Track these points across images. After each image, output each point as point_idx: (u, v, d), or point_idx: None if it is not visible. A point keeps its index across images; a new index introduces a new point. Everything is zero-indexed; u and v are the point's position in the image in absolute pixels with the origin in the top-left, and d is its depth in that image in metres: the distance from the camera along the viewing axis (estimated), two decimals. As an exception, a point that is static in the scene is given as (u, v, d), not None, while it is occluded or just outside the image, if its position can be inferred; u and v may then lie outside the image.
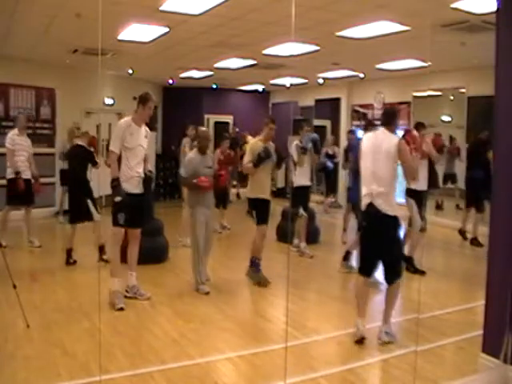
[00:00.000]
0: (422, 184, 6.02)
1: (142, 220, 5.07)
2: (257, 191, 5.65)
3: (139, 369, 3.53)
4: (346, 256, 6.30)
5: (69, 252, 6.23)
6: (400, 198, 8.45)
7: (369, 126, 7.34)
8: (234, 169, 11.05)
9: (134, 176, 4.83)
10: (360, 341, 4.01)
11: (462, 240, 8.11)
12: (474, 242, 7.79)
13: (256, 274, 5.67)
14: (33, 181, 7.14)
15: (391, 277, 4.08)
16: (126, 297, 4.94)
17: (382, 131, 4.12)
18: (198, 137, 5.67)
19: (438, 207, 9.92)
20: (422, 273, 5.98)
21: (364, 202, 4.01)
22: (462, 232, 8.19)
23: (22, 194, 6.91)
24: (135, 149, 4.83)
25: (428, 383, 3.45)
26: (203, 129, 5.87)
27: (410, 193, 6.09)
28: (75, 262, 6.20)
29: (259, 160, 5.51)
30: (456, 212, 9.20)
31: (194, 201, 5.39)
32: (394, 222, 3.99)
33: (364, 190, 4.03)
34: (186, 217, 7.43)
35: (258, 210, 5.64)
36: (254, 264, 5.71)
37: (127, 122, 4.85)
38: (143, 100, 4.92)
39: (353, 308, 5.01)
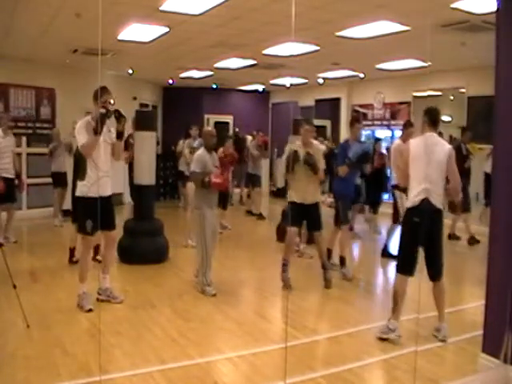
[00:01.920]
0: None
1: (114, 221, 4.89)
2: (293, 196, 5.63)
3: (139, 369, 3.52)
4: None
5: (72, 251, 6.20)
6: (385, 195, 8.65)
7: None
8: (241, 169, 11.07)
9: (102, 176, 4.56)
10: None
11: (458, 240, 8.15)
12: (471, 240, 7.88)
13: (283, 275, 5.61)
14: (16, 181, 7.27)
15: (437, 273, 4.15)
16: (98, 300, 4.81)
17: (431, 135, 4.17)
18: (204, 136, 5.67)
19: None
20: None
21: (418, 199, 4.05)
22: (452, 236, 8.22)
23: (4, 192, 7.01)
24: (98, 147, 4.49)
25: (428, 383, 3.45)
26: (209, 128, 5.90)
27: (398, 188, 6.23)
28: (77, 261, 6.19)
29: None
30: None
31: (202, 201, 5.29)
32: (441, 215, 4.18)
33: (417, 188, 4.08)
34: (190, 218, 7.43)
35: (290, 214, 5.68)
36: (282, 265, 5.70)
37: (85, 121, 4.53)
38: (96, 95, 4.49)
39: (352, 308, 5.02)
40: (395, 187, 6.41)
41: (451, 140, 9.77)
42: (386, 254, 6.85)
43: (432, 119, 4.23)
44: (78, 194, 4.57)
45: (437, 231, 4.13)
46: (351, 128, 6.16)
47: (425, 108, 4.36)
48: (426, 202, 4.03)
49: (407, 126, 6.49)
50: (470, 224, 7.96)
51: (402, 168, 4.37)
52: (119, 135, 4.65)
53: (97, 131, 4.34)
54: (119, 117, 4.56)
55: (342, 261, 6.01)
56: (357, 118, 6.70)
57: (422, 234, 4.03)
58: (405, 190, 6.16)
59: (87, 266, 4.74)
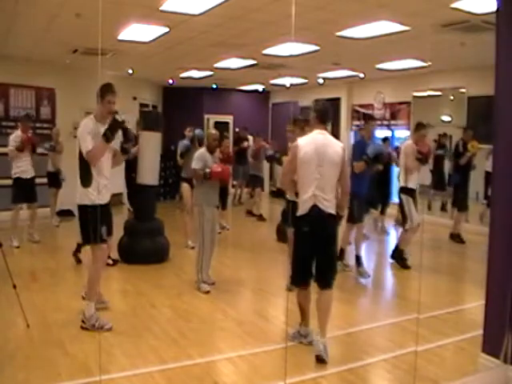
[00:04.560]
0: (414, 182, 6.30)
1: (112, 229, 4.62)
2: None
3: (139, 369, 3.52)
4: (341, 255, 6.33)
5: (79, 246, 6.11)
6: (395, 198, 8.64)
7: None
8: (243, 170, 11.07)
9: (105, 183, 4.25)
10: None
11: (457, 242, 8.17)
12: (456, 238, 7.95)
13: None
14: None
15: (328, 281, 3.84)
16: (83, 297, 4.55)
17: (321, 133, 3.85)
18: (207, 138, 5.70)
19: (443, 208, 9.95)
20: (407, 267, 6.18)
21: (307, 206, 3.76)
22: (453, 235, 8.25)
23: (25, 192, 7.22)
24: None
25: (428, 383, 3.45)
26: (213, 131, 5.88)
27: (405, 191, 6.28)
28: (80, 261, 6.19)
29: None
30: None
31: (202, 199, 5.38)
32: (335, 220, 3.90)
33: (306, 194, 3.77)
34: (188, 219, 7.44)
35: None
36: None
37: (88, 125, 4.15)
38: (101, 93, 4.19)
39: (353, 308, 5.03)
40: (402, 190, 6.36)
41: (451, 140, 9.80)
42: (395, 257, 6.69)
43: (321, 116, 3.89)
44: (85, 202, 4.18)
45: (329, 238, 3.84)
46: (365, 127, 6.22)
47: (314, 103, 4.01)
48: (315, 209, 3.73)
49: (419, 127, 6.42)
50: (461, 222, 8.05)
51: (287, 170, 3.94)
52: (125, 151, 4.47)
53: (107, 138, 4.07)
54: (126, 133, 4.36)
55: (359, 259, 5.99)
56: (370, 117, 6.66)
57: (313, 243, 3.77)
58: (408, 194, 6.20)
59: (99, 282, 4.41)
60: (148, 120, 6.80)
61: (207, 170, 5.25)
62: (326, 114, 3.94)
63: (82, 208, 4.23)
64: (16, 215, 7.24)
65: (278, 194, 12.45)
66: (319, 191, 3.72)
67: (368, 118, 6.34)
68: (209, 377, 3.51)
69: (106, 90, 4.19)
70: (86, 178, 4.18)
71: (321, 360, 3.66)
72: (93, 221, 4.10)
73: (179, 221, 7.86)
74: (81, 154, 4.14)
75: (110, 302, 4.81)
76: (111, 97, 4.19)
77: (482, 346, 3.54)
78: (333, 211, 3.78)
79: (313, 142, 3.80)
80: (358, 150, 5.90)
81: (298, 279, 3.92)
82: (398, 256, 6.39)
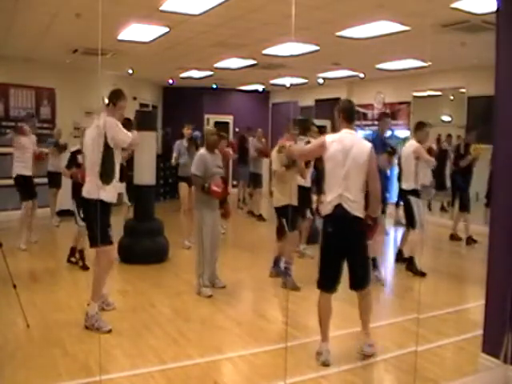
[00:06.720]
0: (418, 184, 6.12)
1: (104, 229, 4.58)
2: (287, 198, 5.46)
3: (139, 369, 3.53)
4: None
5: (73, 250, 6.17)
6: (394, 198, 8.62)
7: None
8: (245, 169, 11.03)
9: (115, 184, 4.32)
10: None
11: (458, 241, 8.16)
12: (469, 240, 7.86)
13: (287, 279, 5.55)
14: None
15: (359, 282, 3.81)
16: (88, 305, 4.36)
17: (348, 132, 3.78)
18: (205, 136, 5.61)
19: (443, 209, 9.96)
20: (423, 274, 5.91)
21: (331, 205, 3.67)
22: (453, 236, 8.24)
23: (27, 190, 7.14)
24: (119, 151, 4.30)
25: (428, 383, 3.45)
26: (209, 127, 5.87)
27: (412, 193, 6.05)
28: (77, 262, 6.16)
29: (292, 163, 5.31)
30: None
31: (201, 203, 5.27)
32: (360, 223, 3.71)
33: (331, 194, 3.70)
34: (184, 219, 7.45)
35: (288, 216, 5.45)
36: (284, 268, 5.72)
37: (116, 122, 4.26)
38: (115, 97, 4.26)
39: (353, 308, 5.02)
40: (410, 192, 6.07)
41: (449, 139, 9.81)
42: (400, 259, 6.58)
43: (348, 115, 3.83)
44: (104, 198, 4.13)
45: (356, 241, 3.72)
46: (381, 122, 6.01)
47: (339, 104, 3.92)
48: (339, 209, 3.63)
49: (421, 126, 6.16)
50: (469, 224, 7.94)
51: (308, 152, 4.38)
52: None
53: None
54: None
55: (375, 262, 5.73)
56: (386, 114, 6.46)
57: (339, 245, 3.69)
58: (418, 195, 6.08)
59: (104, 283, 4.42)
60: (143, 120, 6.78)
61: (206, 185, 5.13)
62: (353, 113, 3.92)
63: (94, 205, 4.24)
64: (25, 214, 7.10)
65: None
66: (345, 191, 3.62)
67: (384, 115, 6.20)
68: (209, 377, 3.51)
69: (120, 96, 4.26)
70: (108, 175, 4.29)
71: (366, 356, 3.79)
72: (106, 219, 4.22)
73: (180, 221, 7.85)
74: (105, 150, 4.17)
75: (115, 304, 4.81)
76: (124, 102, 4.28)
77: (482, 346, 3.54)
78: (359, 214, 3.65)
79: (340, 141, 3.71)
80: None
81: (324, 283, 3.79)
82: (411, 264, 6.13)
